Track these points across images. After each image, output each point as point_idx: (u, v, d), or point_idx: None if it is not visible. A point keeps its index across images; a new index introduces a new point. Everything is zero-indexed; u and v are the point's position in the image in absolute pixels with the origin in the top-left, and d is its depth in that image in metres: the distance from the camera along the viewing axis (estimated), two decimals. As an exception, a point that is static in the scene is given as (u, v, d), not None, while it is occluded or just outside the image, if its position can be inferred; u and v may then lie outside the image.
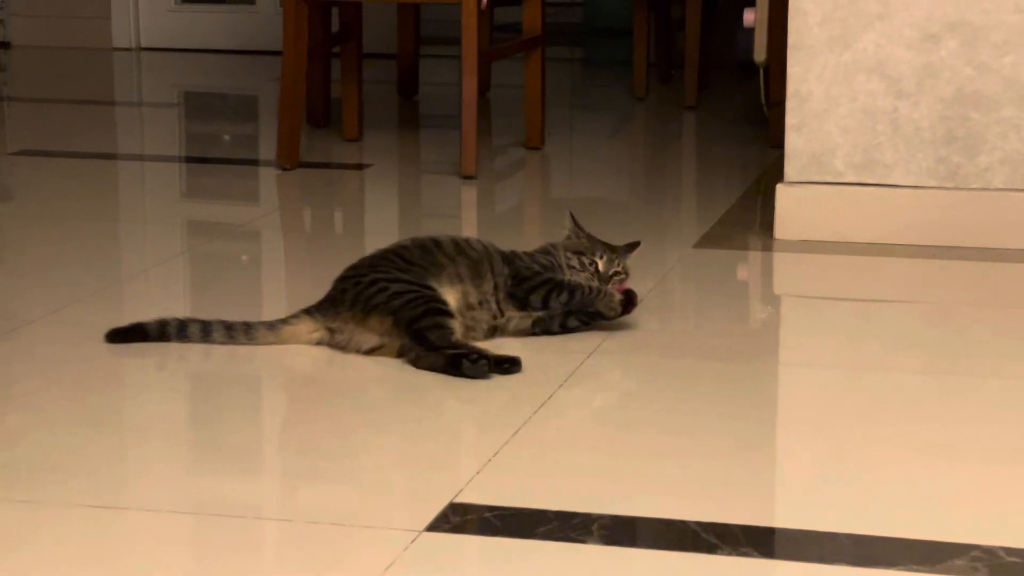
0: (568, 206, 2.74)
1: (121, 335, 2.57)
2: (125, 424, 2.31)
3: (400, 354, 2.50)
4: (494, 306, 2.59)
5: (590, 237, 2.71)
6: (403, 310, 2.48)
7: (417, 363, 2.46)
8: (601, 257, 2.68)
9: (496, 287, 2.60)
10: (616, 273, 2.68)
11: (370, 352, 2.52)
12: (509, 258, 2.66)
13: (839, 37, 3.26)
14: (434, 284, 2.54)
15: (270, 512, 2.00)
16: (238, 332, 2.55)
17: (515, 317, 2.61)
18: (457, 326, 2.50)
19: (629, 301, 2.63)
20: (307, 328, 2.56)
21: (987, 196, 3.25)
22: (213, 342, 2.55)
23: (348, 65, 4.32)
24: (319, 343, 2.56)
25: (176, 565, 1.83)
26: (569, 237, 2.71)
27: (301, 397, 2.47)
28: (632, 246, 2.74)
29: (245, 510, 1.97)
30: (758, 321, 2.92)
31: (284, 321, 2.58)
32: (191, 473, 2.13)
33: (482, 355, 2.42)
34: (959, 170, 3.26)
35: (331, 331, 2.55)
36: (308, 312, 2.58)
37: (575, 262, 2.67)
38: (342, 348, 2.54)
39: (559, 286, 2.61)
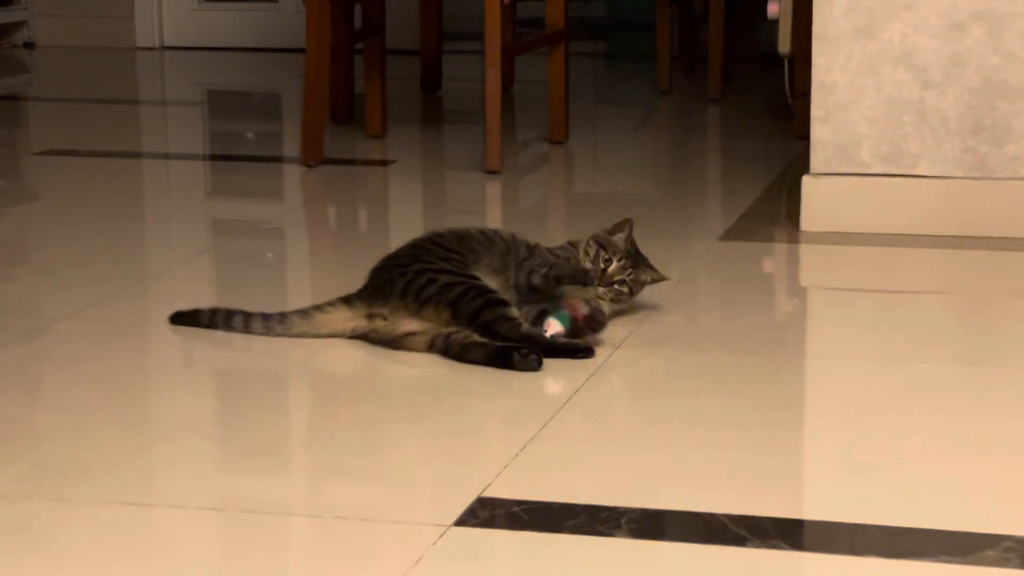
0: (631, 216, 2.70)
1: (182, 318, 2.64)
2: (153, 421, 2.32)
3: (429, 346, 2.49)
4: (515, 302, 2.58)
5: (631, 249, 2.66)
6: (461, 304, 2.47)
7: (462, 356, 2.46)
8: (620, 261, 2.63)
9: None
10: (621, 282, 2.63)
11: (402, 338, 2.51)
12: (531, 249, 2.64)
13: (864, 27, 3.24)
14: (475, 273, 2.54)
15: (298, 508, 2.00)
16: (274, 322, 2.57)
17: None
18: (516, 311, 2.49)
19: (587, 322, 2.50)
20: (343, 317, 2.55)
21: (1015, 185, 3.24)
22: (253, 332, 2.57)
23: (371, 61, 4.32)
24: (354, 332, 2.55)
25: (204, 562, 1.83)
26: (612, 233, 2.68)
27: (328, 393, 2.47)
28: (660, 273, 2.69)
29: (273, 506, 1.97)
30: (784, 313, 2.91)
31: (318, 308, 2.57)
32: (219, 470, 2.13)
33: (533, 348, 2.41)
34: (986, 160, 3.24)
35: (371, 317, 2.53)
36: (346, 300, 2.56)
37: (593, 251, 2.64)
38: (379, 336, 2.53)
39: (543, 264, 2.56)
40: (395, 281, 2.53)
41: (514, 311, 2.48)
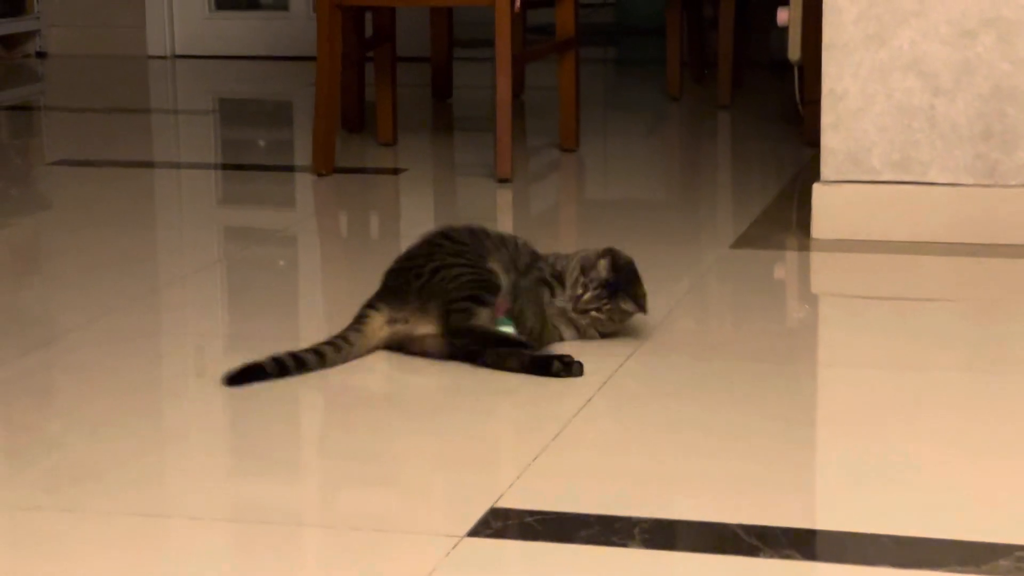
0: (614, 245, 2.63)
1: (240, 377, 2.41)
2: (166, 430, 2.32)
3: (446, 351, 2.50)
4: None
5: (613, 277, 2.56)
6: (449, 294, 2.50)
7: (499, 365, 2.45)
8: (594, 290, 2.56)
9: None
10: (595, 310, 2.56)
11: (421, 339, 2.52)
12: (535, 257, 2.62)
13: (874, 35, 3.24)
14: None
15: (311, 519, 2.00)
16: (342, 342, 2.49)
17: None
18: (486, 315, 2.50)
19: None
20: (378, 324, 2.53)
21: (1026, 192, 3.23)
22: (328, 365, 2.46)
23: (382, 69, 4.33)
24: (386, 338, 2.53)
25: (218, 573, 1.84)
26: (598, 258, 2.59)
27: (340, 402, 2.48)
28: (640, 306, 2.58)
29: (286, 517, 1.98)
30: (796, 321, 2.91)
31: (360, 321, 2.51)
32: (232, 480, 2.13)
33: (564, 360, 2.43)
34: (997, 166, 3.24)
35: (392, 322, 2.53)
36: (372, 307, 2.55)
37: (574, 276, 2.57)
38: (399, 339, 2.53)
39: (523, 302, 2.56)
40: (411, 283, 2.54)
41: (479, 309, 2.48)
